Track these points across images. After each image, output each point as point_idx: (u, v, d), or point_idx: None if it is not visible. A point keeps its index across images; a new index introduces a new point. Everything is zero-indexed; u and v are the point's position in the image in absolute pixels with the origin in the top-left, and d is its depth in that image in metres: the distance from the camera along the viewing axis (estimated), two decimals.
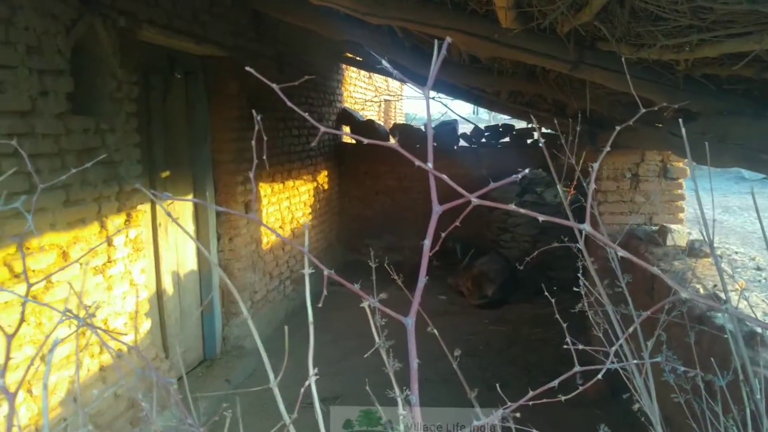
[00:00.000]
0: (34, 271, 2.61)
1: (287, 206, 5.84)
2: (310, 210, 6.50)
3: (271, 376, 1.00)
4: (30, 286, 2.49)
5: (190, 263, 4.38)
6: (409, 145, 8.33)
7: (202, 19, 4.05)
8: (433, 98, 6.35)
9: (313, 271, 0.93)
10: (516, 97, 4.83)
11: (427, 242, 0.76)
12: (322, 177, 7.07)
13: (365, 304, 0.88)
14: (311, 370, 0.93)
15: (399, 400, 0.89)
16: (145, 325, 3.39)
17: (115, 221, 3.13)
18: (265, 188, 5.30)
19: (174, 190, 4.15)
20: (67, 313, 0.98)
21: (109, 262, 3.08)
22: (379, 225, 7.86)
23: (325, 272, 0.87)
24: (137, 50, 3.29)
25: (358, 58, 7.62)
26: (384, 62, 0.82)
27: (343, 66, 8.13)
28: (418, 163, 0.73)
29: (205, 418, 1.05)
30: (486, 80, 3.99)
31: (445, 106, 8.84)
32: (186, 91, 4.29)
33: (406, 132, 8.51)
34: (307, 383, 0.93)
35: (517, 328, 5.42)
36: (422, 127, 8.93)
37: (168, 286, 4.04)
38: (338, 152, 7.69)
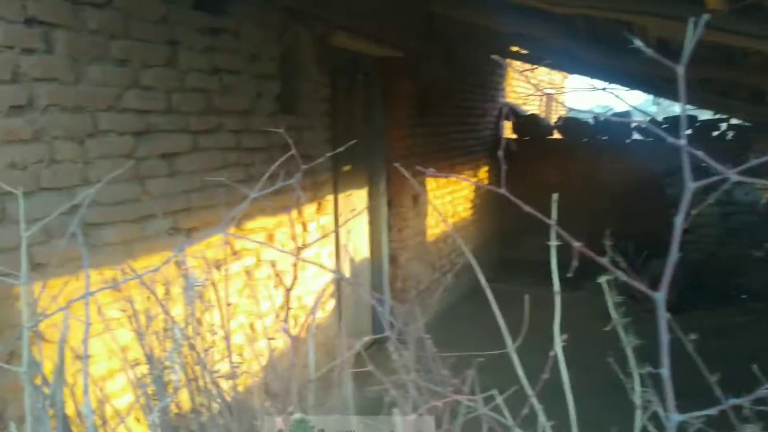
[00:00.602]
0: (246, 249, 3.04)
1: (450, 201, 6.02)
2: (470, 205, 6.63)
3: (509, 341, 1.12)
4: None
5: (364, 251, 4.73)
6: (576, 138, 8.09)
7: (383, 23, 4.34)
8: (603, 89, 6.13)
9: (560, 244, 1.02)
10: (704, 86, 4.51)
11: (680, 219, 0.79)
12: (483, 172, 7.14)
13: (604, 280, 0.96)
14: (558, 340, 1.02)
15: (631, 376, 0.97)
16: (330, 304, 3.75)
17: (309, 209, 3.52)
18: (430, 182, 5.52)
19: (352, 184, 4.51)
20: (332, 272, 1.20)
21: (304, 245, 3.46)
22: (538, 221, 7.73)
23: (575, 245, 0.94)
24: (329, 55, 3.64)
25: (523, 52, 7.57)
26: (635, 40, 0.84)
27: (507, 60, 8.11)
28: (670, 139, 0.78)
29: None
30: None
31: (619, 96, 8.46)
32: (365, 92, 4.63)
33: (572, 125, 8.28)
34: (553, 352, 1.03)
35: (698, 338, 5.06)
36: (590, 121, 8.63)
37: (345, 271, 4.41)
38: (499, 148, 7.68)
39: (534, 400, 0.97)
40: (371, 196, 4.87)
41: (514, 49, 7.48)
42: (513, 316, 1.06)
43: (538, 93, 9.91)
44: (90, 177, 2.12)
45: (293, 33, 3.23)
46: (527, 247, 7.66)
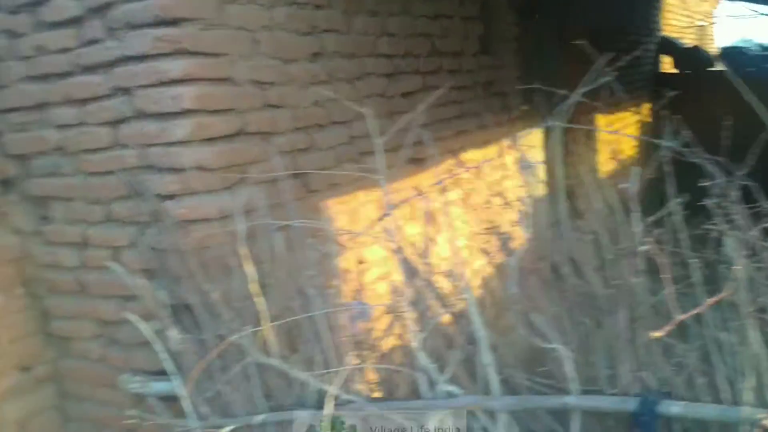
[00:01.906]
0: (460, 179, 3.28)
1: (617, 138, 5.88)
2: (636, 142, 6.42)
3: None
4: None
5: (541, 186, 4.82)
6: (740, 69, 7.45)
7: None
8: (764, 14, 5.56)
9: None
10: None
11: None
12: (645, 109, 6.84)
13: None
14: None
15: None
16: (525, 233, 3.92)
17: (506, 143, 3.68)
18: (600, 120, 5.43)
19: (527, 123, 4.59)
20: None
21: (503, 178, 3.65)
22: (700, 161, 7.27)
23: None
24: None
25: None
26: None
27: None
28: None
29: None
30: None
31: None
32: (539, 31, 4.63)
33: (735, 56, 7.61)
34: None
35: None
36: (755, 50, 7.86)
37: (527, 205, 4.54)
38: (659, 83, 7.28)
39: None
40: (545, 133, 4.91)
41: None
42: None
43: (696, 24, 9.14)
44: (360, 113, 2.43)
45: None
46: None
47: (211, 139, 1.77)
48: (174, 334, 1.74)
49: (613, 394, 1.14)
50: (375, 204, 2.58)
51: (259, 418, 1.60)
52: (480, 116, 3.36)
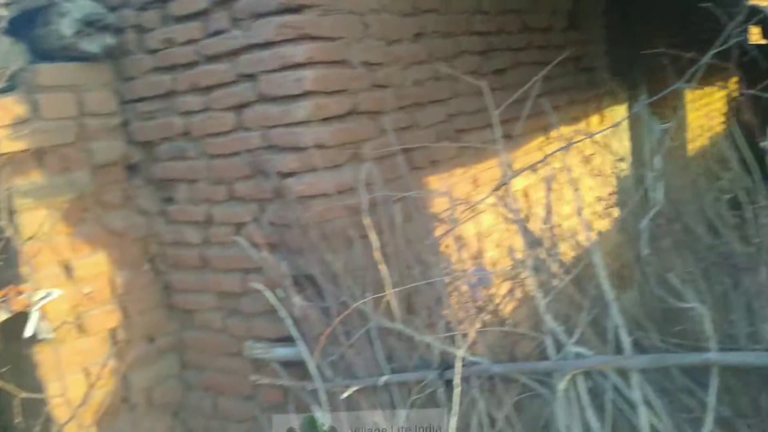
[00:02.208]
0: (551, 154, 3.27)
1: (705, 113, 5.67)
2: (723, 119, 6.15)
3: None
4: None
5: (626, 160, 4.72)
6: None
7: None
8: None
9: None
10: None
11: None
12: (732, 83, 6.52)
13: None
14: None
15: None
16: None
17: (593, 120, 3.64)
18: (688, 95, 5.24)
19: (613, 98, 4.49)
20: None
21: (592, 154, 3.61)
22: None
23: None
24: None
25: None
26: None
27: None
28: None
29: None
30: None
31: None
32: (626, 4, 4.52)
33: None
34: None
35: None
36: None
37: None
38: (747, 55, 6.91)
39: None
40: (631, 110, 4.80)
41: None
42: None
43: None
44: (457, 90, 2.49)
45: None
46: None
47: (327, 119, 1.88)
48: (298, 301, 1.87)
49: (756, 350, 1.16)
50: (471, 180, 2.64)
51: (382, 379, 1.70)
52: (568, 92, 3.34)
